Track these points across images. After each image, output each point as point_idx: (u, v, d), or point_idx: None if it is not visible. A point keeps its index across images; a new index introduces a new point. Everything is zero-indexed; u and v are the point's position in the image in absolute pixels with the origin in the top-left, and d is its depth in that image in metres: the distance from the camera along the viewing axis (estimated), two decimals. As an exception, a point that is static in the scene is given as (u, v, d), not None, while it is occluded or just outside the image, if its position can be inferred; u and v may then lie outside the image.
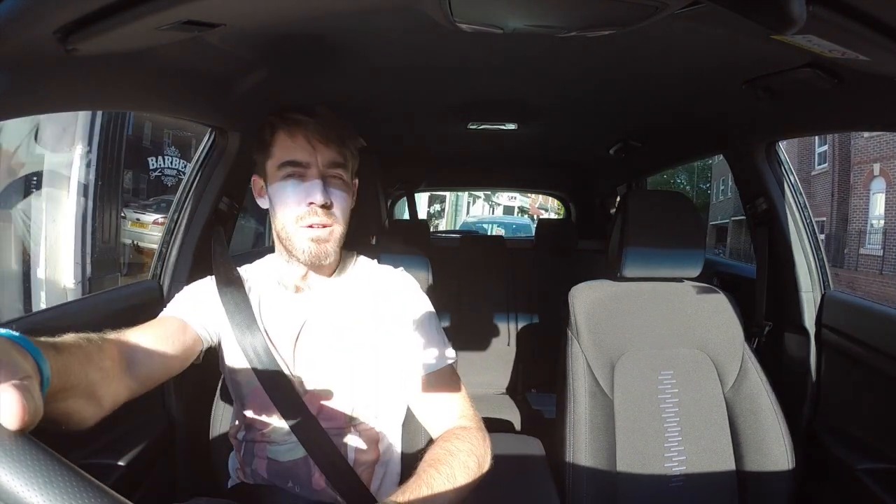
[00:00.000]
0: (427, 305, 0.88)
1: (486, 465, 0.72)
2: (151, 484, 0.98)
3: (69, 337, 0.58)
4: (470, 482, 0.68)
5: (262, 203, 0.87)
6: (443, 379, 0.82)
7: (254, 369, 0.82)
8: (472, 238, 3.28)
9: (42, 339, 0.50)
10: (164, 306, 1.13)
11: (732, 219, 15.43)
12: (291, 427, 0.81)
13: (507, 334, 2.18)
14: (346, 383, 0.83)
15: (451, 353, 0.84)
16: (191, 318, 0.82)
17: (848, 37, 0.60)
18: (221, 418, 0.98)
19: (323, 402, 0.83)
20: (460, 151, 2.09)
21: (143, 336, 0.73)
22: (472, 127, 1.56)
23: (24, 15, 0.51)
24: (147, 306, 1.11)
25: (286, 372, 0.82)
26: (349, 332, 0.84)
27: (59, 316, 0.91)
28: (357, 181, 0.90)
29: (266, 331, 0.84)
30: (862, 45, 0.62)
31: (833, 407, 1.17)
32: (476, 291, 2.22)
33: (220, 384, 1.00)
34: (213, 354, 0.88)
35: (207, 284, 0.89)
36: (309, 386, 0.83)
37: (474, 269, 2.31)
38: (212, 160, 1.17)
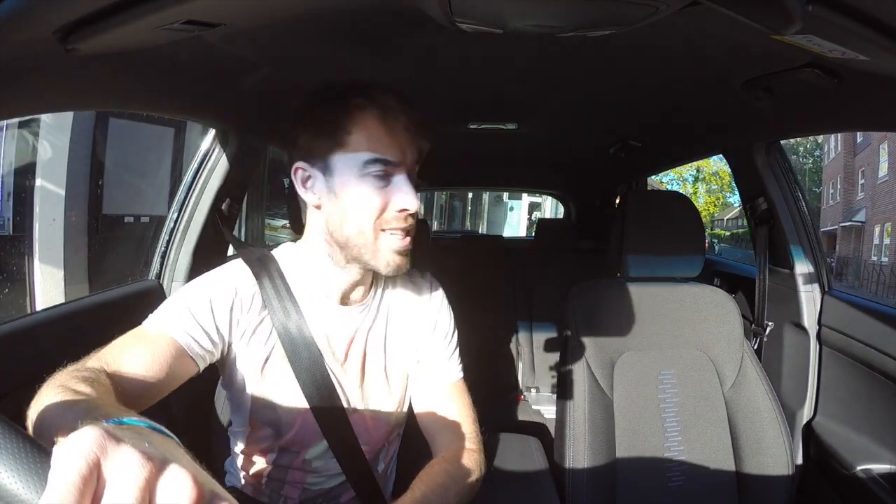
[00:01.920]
0: (450, 318, 0.84)
1: (478, 487, 0.74)
2: None
3: (99, 388, 0.49)
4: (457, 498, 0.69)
5: (310, 197, 0.70)
6: (453, 394, 0.81)
7: (303, 388, 0.72)
8: (472, 238, 3.28)
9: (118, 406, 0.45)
10: None
11: (841, 225, 14.58)
12: (333, 451, 0.76)
13: (506, 334, 2.18)
14: (388, 401, 0.80)
15: (457, 370, 0.83)
16: (187, 339, 0.66)
17: (848, 37, 0.60)
18: (221, 420, 0.98)
19: (368, 423, 0.78)
20: (460, 151, 2.08)
21: (134, 365, 0.61)
22: (472, 127, 1.56)
23: (24, 15, 0.51)
24: (147, 306, 1.10)
25: (338, 391, 0.75)
26: (394, 347, 0.80)
27: (62, 315, 0.91)
28: None
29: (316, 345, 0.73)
30: (862, 45, 0.62)
31: (833, 407, 1.17)
32: (476, 291, 2.22)
33: (218, 388, 1.00)
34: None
35: (224, 292, 0.71)
36: (355, 405, 0.77)
37: (474, 269, 2.31)
38: (212, 160, 1.17)
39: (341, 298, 0.75)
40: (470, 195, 13.34)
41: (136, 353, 0.62)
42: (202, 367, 0.69)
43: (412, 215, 0.68)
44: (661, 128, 1.51)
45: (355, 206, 0.66)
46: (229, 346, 0.71)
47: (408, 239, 0.69)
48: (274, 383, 0.73)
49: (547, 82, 1.13)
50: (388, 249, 0.68)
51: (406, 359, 0.81)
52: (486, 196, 13.97)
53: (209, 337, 0.68)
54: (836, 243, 14.91)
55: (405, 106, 0.67)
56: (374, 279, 0.79)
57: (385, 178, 0.66)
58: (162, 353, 0.64)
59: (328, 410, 0.73)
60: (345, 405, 0.75)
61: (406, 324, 0.82)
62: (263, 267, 0.74)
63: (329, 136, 0.67)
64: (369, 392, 0.78)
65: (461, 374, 0.83)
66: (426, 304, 0.83)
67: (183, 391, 0.81)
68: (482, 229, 13.44)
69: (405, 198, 0.66)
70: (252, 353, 0.72)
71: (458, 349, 0.84)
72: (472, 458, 0.74)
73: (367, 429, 0.78)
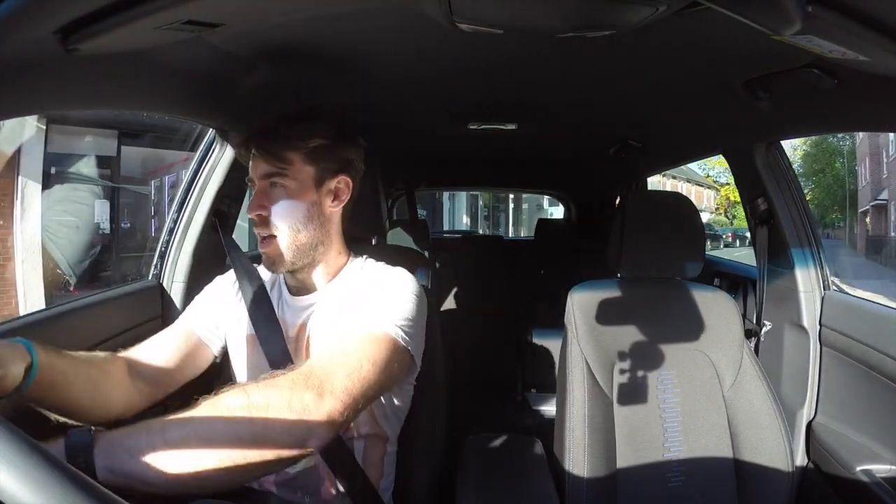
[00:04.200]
0: (408, 290, 0.81)
1: (300, 413, 0.59)
2: None
3: (76, 352, 0.72)
4: (247, 428, 0.57)
5: None
6: (346, 333, 0.73)
7: (267, 357, 0.82)
8: (472, 238, 3.29)
9: (48, 346, 0.65)
10: (164, 306, 1.14)
11: (871, 204, 14.37)
12: None
13: (506, 334, 2.18)
14: None
15: (386, 322, 0.74)
16: (201, 328, 0.88)
17: (848, 37, 0.60)
18: None
19: None
20: (461, 151, 2.09)
21: (149, 348, 0.83)
22: (472, 127, 1.56)
23: (24, 15, 0.51)
24: (147, 306, 1.11)
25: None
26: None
27: (62, 313, 0.91)
28: (344, 178, 0.85)
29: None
30: (862, 45, 0.62)
31: (833, 407, 1.17)
32: (476, 291, 2.22)
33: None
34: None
35: (221, 286, 0.94)
36: None
37: (474, 269, 2.32)
38: (212, 160, 1.17)
39: (292, 290, 0.89)
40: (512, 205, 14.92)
41: (155, 343, 0.84)
42: (216, 352, 0.89)
43: (258, 217, 0.81)
44: (661, 128, 1.51)
45: None
46: (227, 332, 0.89)
47: (263, 239, 0.82)
48: (248, 358, 0.86)
49: (547, 82, 1.13)
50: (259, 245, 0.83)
51: None
52: (525, 206, 15.47)
53: (214, 322, 0.89)
54: (868, 223, 14.73)
55: (245, 138, 0.84)
56: (334, 274, 0.88)
57: (254, 189, 0.83)
58: (178, 342, 0.85)
59: None
60: None
61: (354, 312, 0.81)
62: (244, 267, 0.92)
63: None
64: None
65: (382, 329, 0.72)
66: (380, 288, 0.83)
67: (183, 391, 0.82)
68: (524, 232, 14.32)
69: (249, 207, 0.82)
70: (236, 334, 0.88)
71: (396, 309, 0.77)
72: (291, 378, 0.62)
73: None
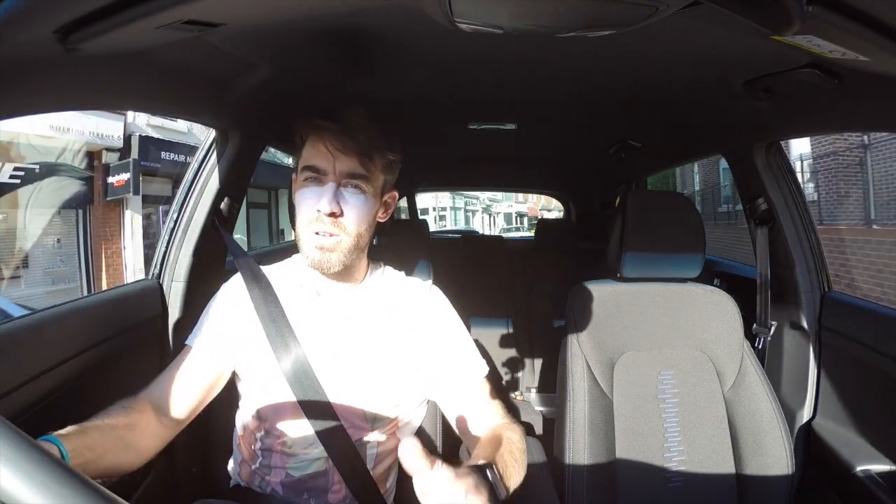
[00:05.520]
0: (457, 321, 0.89)
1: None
2: (151, 484, 0.98)
3: (98, 417, 0.70)
4: (524, 466, 0.73)
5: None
6: (479, 391, 0.85)
7: (283, 369, 0.81)
8: (471, 238, 3.29)
9: (70, 427, 0.64)
10: (164, 306, 1.14)
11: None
12: (317, 432, 0.79)
13: (506, 334, 2.18)
14: (365, 391, 0.82)
15: (483, 365, 0.87)
16: (216, 349, 0.84)
17: (848, 37, 0.60)
18: (222, 419, 0.98)
19: (343, 408, 0.81)
20: (460, 151, 2.09)
21: (170, 383, 0.81)
22: (472, 127, 1.56)
23: (23, 15, 0.51)
24: (147, 306, 1.11)
25: (311, 366, 0.82)
26: (371, 340, 0.84)
27: (62, 314, 0.91)
28: (394, 193, 0.87)
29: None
30: (862, 45, 0.62)
31: (833, 407, 1.17)
32: (476, 291, 2.22)
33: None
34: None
35: (225, 295, 0.89)
36: (323, 382, 0.82)
37: (474, 269, 2.31)
38: (212, 160, 1.17)
39: (316, 292, 0.86)
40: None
41: (175, 376, 0.81)
42: (234, 366, 0.86)
43: (330, 216, 0.77)
44: (661, 128, 1.51)
45: (298, 205, 0.80)
46: (236, 338, 0.85)
47: (325, 239, 0.78)
48: (259, 363, 0.83)
49: (547, 82, 1.13)
50: (309, 245, 0.79)
51: (387, 354, 0.84)
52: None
53: (226, 337, 0.85)
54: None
55: (335, 125, 0.78)
56: (364, 275, 0.89)
57: (316, 182, 0.78)
58: (196, 370, 0.82)
59: (300, 380, 0.80)
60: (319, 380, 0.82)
61: (390, 322, 0.86)
62: (251, 269, 0.88)
63: (297, 148, 0.83)
64: (339, 373, 0.82)
65: (484, 371, 0.86)
66: (419, 307, 0.88)
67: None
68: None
69: (319, 200, 0.77)
70: (245, 340, 0.84)
71: (471, 347, 0.88)
72: (512, 426, 0.79)
73: (341, 410, 0.81)
